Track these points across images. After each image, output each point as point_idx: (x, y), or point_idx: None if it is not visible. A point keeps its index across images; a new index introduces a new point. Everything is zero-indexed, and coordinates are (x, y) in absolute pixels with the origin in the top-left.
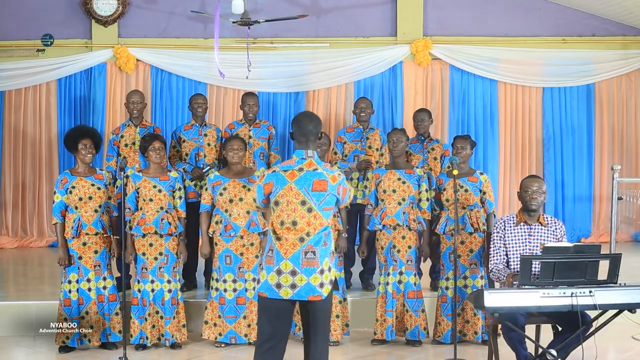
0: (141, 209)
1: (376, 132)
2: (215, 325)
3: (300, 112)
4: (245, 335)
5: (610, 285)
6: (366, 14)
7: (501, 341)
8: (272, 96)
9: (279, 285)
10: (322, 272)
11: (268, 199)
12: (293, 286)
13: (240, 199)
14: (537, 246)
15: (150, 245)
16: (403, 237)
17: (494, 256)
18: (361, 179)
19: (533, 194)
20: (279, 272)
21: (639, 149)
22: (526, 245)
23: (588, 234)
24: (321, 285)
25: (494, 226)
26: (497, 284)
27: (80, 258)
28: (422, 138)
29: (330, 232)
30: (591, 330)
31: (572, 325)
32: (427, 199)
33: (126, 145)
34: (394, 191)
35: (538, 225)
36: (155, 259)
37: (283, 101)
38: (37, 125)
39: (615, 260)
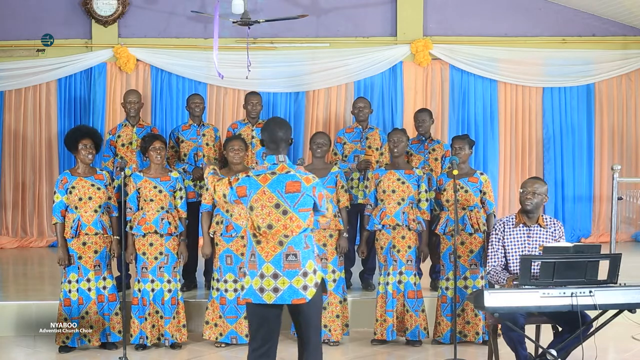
0: (142, 208)
1: (375, 131)
2: (216, 325)
3: (270, 119)
4: (246, 336)
5: (610, 285)
6: (366, 14)
7: (501, 341)
8: (272, 96)
9: (262, 290)
10: (305, 274)
11: (240, 202)
12: (275, 290)
13: None
14: (535, 248)
15: (151, 244)
16: (403, 237)
17: (491, 258)
18: (361, 179)
19: (527, 194)
20: (262, 276)
21: (639, 149)
22: (525, 247)
23: (588, 234)
24: (304, 288)
25: (493, 227)
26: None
27: (80, 258)
28: (423, 138)
29: (310, 235)
30: (591, 330)
31: (572, 325)
32: (427, 200)
33: (123, 145)
34: (394, 191)
35: (537, 227)
36: (156, 258)
37: (283, 101)
38: (37, 125)
39: (615, 260)
